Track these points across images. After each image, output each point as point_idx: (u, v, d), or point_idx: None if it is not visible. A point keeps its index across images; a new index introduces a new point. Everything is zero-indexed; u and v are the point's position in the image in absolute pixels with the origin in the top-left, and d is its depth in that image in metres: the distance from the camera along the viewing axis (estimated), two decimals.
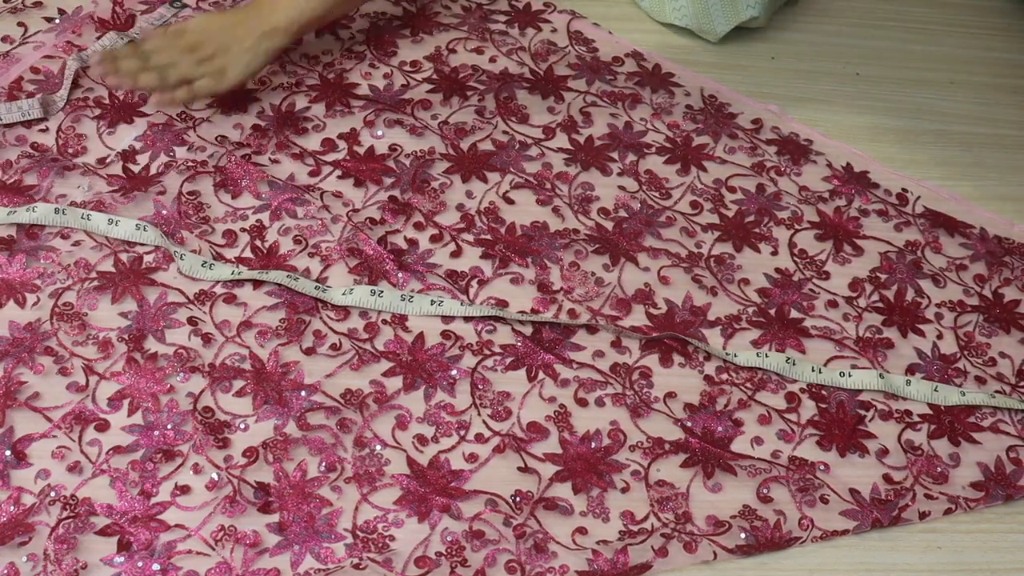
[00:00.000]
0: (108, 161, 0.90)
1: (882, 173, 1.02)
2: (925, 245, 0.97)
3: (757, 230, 0.95)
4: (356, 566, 0.70)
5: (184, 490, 0.72)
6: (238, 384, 0.78)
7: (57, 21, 1.00)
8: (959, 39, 1.19)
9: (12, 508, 0.70)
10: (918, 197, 1.00)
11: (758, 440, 0.80)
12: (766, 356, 0.84)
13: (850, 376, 0.84)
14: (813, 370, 0.84)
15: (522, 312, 0.85)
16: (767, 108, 1.06)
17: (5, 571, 0.67)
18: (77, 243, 0.84)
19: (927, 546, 0.78)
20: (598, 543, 0.74)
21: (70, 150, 0.90)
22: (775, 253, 0.94)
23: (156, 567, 0.68)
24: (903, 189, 1.01)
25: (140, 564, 0.69)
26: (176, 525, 0.71)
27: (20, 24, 0.99)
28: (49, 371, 0.77)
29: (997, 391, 0.85)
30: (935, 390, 0.85)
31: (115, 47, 0.96)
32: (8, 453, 0.72)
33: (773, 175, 1.00)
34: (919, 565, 0.77)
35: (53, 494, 0.71)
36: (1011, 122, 1.11)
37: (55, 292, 0.80)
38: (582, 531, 0.74)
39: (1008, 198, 0.92)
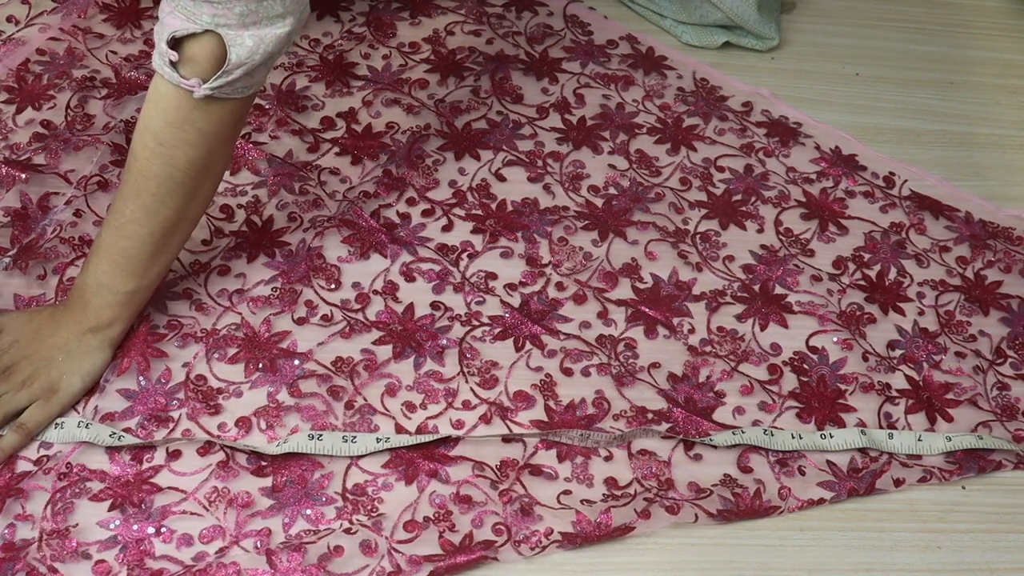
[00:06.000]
0: (111, 127, 0.92)
1: (870, 156, 1.03)
2: (910, 227, 0.98)
3: (744, 208, 0.96)
4: (347, 531, 0.72)
5: (175, 455, 0.74)
6: (231, 351, 0.80)
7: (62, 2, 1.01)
8: (959, 39, 1.18)
9: (8, 474, 0.71)
10: (905, 180, 1.02)
11: (739, 410, 0.82)
12: (743, 433, 0.80)
13: (832, 437, 0.81)
14: (792, 437, 0.80)
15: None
16: (757, 92, 1.08)
17: (5, 531, 0.69)
18: (79, 213, 0.86)
19: (927, 546, 0.78)
20: (582, 502, 0.75)
21: (78, 127, 0.92)
22: (761, 230, 0.95)
23: (151, 530, 0.70)
24: (890, 172, 1.02)
25: (135, 527, 0.70)
26: (169, 487, 0.72)
27: (24, 2, 1.00)
28: None
29: (982, 423, 0.85)
30: (919, 439, 0.82)
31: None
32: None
33: (761, 156, 1.01)
34: (919, 565, 0.77)
35: (50, 463, 0.72)
36: (1011, 122, 1.11)
37: (58, 267, 0.82)
38: (567, 493, 0.76)
39: (1008, 198, 0.92)
